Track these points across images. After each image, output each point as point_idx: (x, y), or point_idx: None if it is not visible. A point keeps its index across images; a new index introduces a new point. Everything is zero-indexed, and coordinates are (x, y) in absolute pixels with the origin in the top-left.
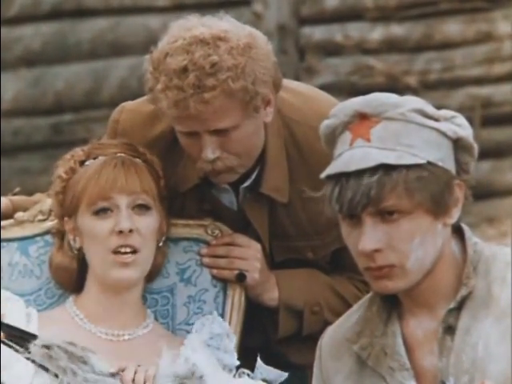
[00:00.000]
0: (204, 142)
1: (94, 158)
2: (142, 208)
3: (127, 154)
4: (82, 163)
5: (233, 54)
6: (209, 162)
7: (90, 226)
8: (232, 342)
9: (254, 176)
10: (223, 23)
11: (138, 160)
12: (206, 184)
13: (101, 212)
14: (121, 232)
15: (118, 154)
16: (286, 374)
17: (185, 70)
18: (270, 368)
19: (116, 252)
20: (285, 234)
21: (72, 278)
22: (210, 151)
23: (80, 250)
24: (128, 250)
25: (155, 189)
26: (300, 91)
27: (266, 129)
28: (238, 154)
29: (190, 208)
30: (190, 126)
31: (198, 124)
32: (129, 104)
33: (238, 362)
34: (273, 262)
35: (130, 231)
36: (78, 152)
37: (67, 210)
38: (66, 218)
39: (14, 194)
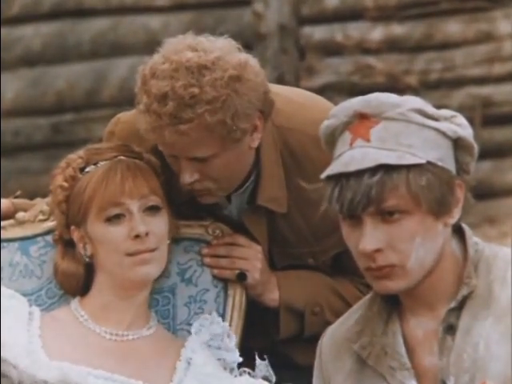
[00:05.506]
0: (182, 166)
1: (95, 164)
2: (153, 209)
3: (126, 155)
4: (81, 170)
5: (215, 85)
6: (187, 185)
7: (102, 233)
8: (232, 341)
9: (247, 185)
10: (217, 48)
11: (139, 161)
12: None
13: (113, 218)
14: (137, 236)
15: (119, 158)
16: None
17: (165, 97)
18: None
19: (133, 254)
20: (285, 241)
21: (79, 284)
22: (188, 176)
23: (91, 256)
24: (147, 254)
25: (161, 188)
26: (292, 98)
27: (260, 140)
28: (217, 180)
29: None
30: (168, 150)
31: (175, 151)
32: (124, 116)
33: (240, 359)
34: (274, 269)
35: (146, 234)
36: (76, 159)
37: (74, 219)
38: (72, 227)
39: (15, 197)
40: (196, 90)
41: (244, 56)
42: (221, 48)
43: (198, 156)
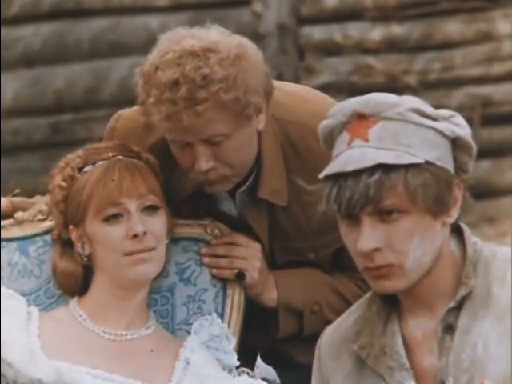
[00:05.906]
0: (197, 152)
1: (93, 164)
2: (151, 209)
3: (124, 155)
4: (80, 170)
5: (223, 65)
6: (202, 173)
7: (101, 232)
8: (231, 344)
9: (250, 181)
10: (212, 34)
11: (137, 161)
12: (202, 192)
13: (111, 218)
14: (135, 236)
15: (117, 157)
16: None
17: (176, 83)
18: (270, 367)
19: (131, 254)
20: (285, 235)
21: (77, 283)
22: (204, 162)
23: (89, 256)
24: (145, 254)
25: (159, 187)
26: (293, 91)
27: (261, 133)
28: (231, 164)
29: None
30: (183, 136)
31: (191, 135)
32: (125, 112)
33: (237, 363)
34: (275, 264)
35: (144, 234)
36: (74, 159)
37: (72, 218)
38: (71, 227)
39: (14, 195)
40: (206, 70)
41: (240, 37)
42: (216, 33)
43: (214, 134)
